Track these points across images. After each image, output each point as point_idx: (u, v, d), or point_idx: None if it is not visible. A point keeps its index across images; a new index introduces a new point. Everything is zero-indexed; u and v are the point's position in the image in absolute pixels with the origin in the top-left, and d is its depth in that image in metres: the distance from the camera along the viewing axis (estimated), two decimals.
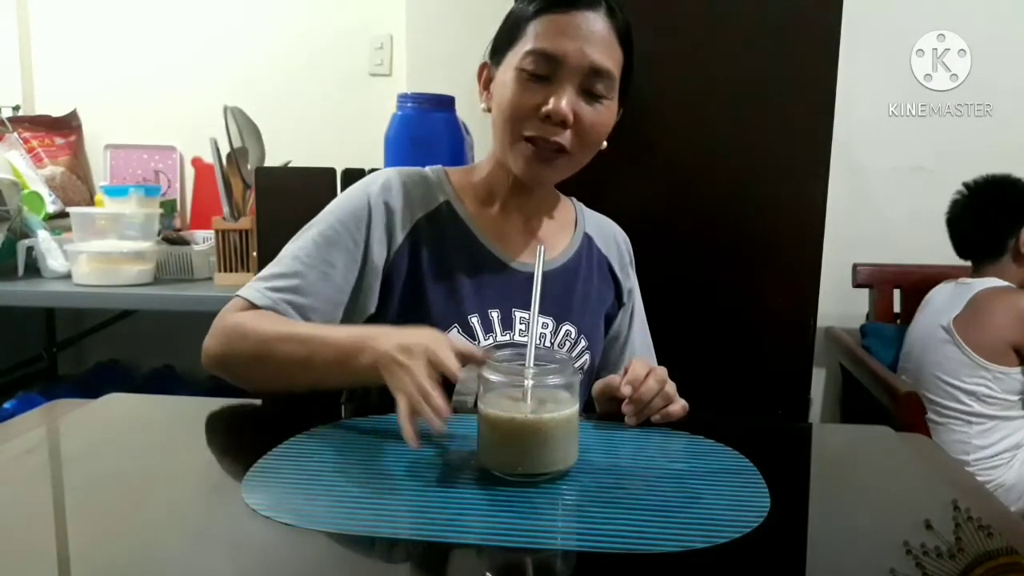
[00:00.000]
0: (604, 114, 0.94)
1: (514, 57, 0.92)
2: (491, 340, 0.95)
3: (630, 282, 1.13)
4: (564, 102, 0.89)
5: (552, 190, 1.07)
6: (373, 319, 0.96)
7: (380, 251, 0.95)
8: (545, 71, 0.90)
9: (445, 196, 1.01)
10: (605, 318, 1.08)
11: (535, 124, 0.91)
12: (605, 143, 0.99)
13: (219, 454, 0.70)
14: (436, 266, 0.97)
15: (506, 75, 0.93)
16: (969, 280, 1.84)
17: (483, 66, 1.00)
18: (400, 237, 0.97)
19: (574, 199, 1.14)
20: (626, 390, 0.81)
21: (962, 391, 1.73)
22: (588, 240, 1.08)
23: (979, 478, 1.66)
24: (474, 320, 0.95)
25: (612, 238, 1.12)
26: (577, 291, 1.04)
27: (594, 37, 0.90)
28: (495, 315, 0.97)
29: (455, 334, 0.92)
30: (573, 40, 0.89)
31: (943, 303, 1.84)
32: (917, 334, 1.89)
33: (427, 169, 1.05)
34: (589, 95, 0.92)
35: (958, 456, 1.70)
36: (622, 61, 0.95)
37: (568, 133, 0.91)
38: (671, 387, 0.83)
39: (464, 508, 0.59)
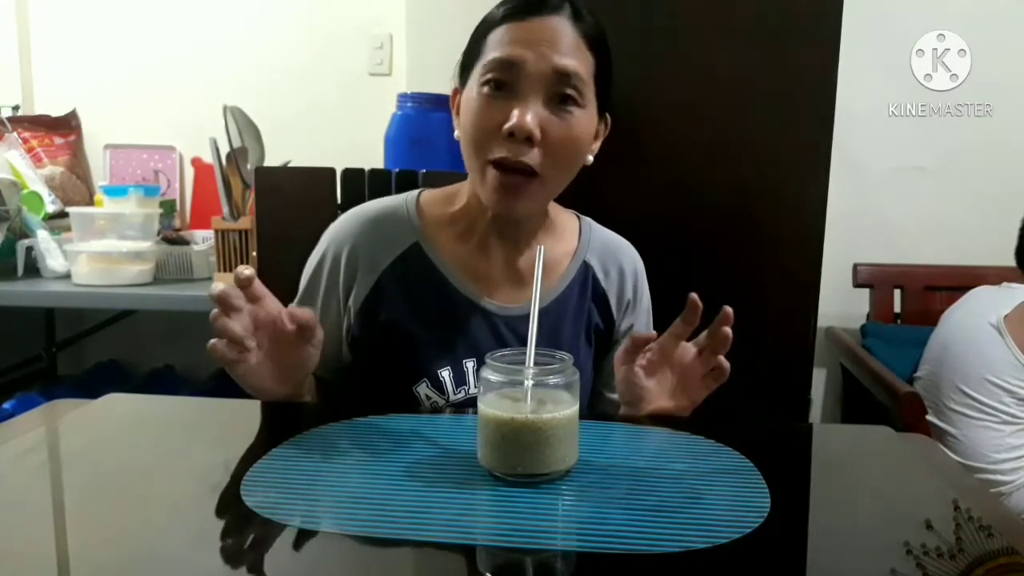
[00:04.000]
0: (575, 126, 0.86)
1: (476, 74, 0.87)
2: (462, 393, 0.92)
3: (630, 319, 1.04)
4: (529, 116, 0.82)
5: (544, 211, 0.99)
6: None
7: (348, 304, 0.94)
8: (506, 81, 0.84)
9: (415, 236, 0.96)
10: (596, 351, 1.02)
11: (500, 144, 0.84)
12: (591, 158, 0.93)
13: (219, 454, 0.70)
14: (406, 316, 0.93)
15: (470, 94, 0.88)
16: (1017, 285, 1.84)
17: (455, 92, 0.94)
18: (364, 292, 0.94)
19: (583, 218, 1.06)
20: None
21: (1005, 391, 1.72)
22: (585, 270, 1.01)
23: (1003, 476, 1.67)
24: (444, 374, 0.91)
25: (618, 268, 1.03)
26: (565, 332, 0.97)
27: (557, 41, 0.84)
28: (470, 365, 0.92)
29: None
30: (533, 46, 0.83)
31: (987, 302, 1.83)
32: (954, 329, 1.86)
33: (400, 199, 0.99)
34: (558, 105, 0.85)
35: (987, 452, 1.70)
36: (593, 66, 0.88)
37: (536, 152, 0.84)
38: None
39: (464, 508, 0.59)
